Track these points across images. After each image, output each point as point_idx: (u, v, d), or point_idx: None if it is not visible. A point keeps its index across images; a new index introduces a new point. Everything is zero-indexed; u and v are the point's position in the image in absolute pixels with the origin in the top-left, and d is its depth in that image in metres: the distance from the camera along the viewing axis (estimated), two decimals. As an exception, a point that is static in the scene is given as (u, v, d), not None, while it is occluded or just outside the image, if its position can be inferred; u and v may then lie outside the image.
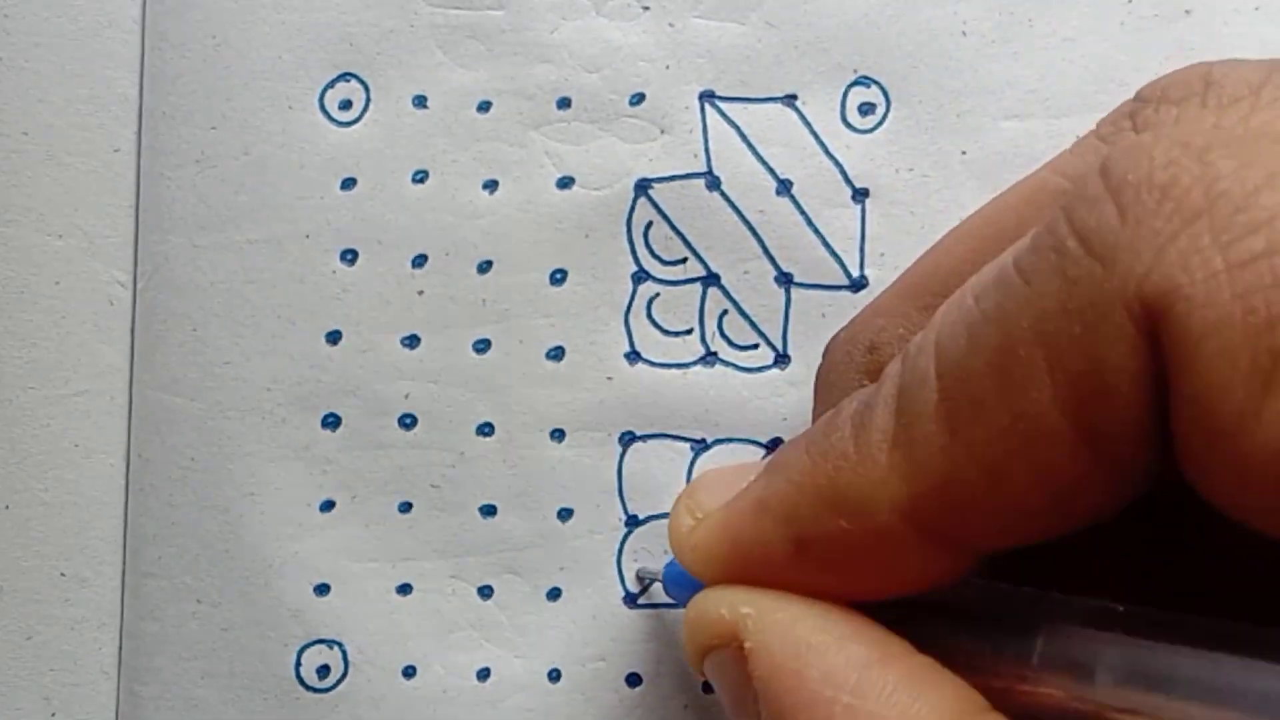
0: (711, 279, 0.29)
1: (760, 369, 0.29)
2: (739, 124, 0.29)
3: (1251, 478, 0.17)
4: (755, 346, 0.29)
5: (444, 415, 0.29)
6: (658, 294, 0.29)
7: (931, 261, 0.25)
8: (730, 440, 0.29)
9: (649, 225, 0.29)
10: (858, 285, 0.29)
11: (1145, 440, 0.18)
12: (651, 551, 0.29)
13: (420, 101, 0.29)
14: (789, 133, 0.29)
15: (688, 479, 0.29)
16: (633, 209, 0.29)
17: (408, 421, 0.29)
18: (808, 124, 0.29)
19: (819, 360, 0.28)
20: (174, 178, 0.29)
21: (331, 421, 0.29)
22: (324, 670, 0.29)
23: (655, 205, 0.29)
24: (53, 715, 0.30)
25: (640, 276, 0.29)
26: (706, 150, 0.29)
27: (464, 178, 0.29)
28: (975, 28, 0.29)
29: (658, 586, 0.29)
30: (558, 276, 0.29)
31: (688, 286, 0.29)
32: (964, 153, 0.29)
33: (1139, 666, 0.19)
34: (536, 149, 0.29)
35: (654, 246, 0.29)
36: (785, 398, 0.29)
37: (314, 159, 0.29)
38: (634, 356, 0.29)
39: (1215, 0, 0.29)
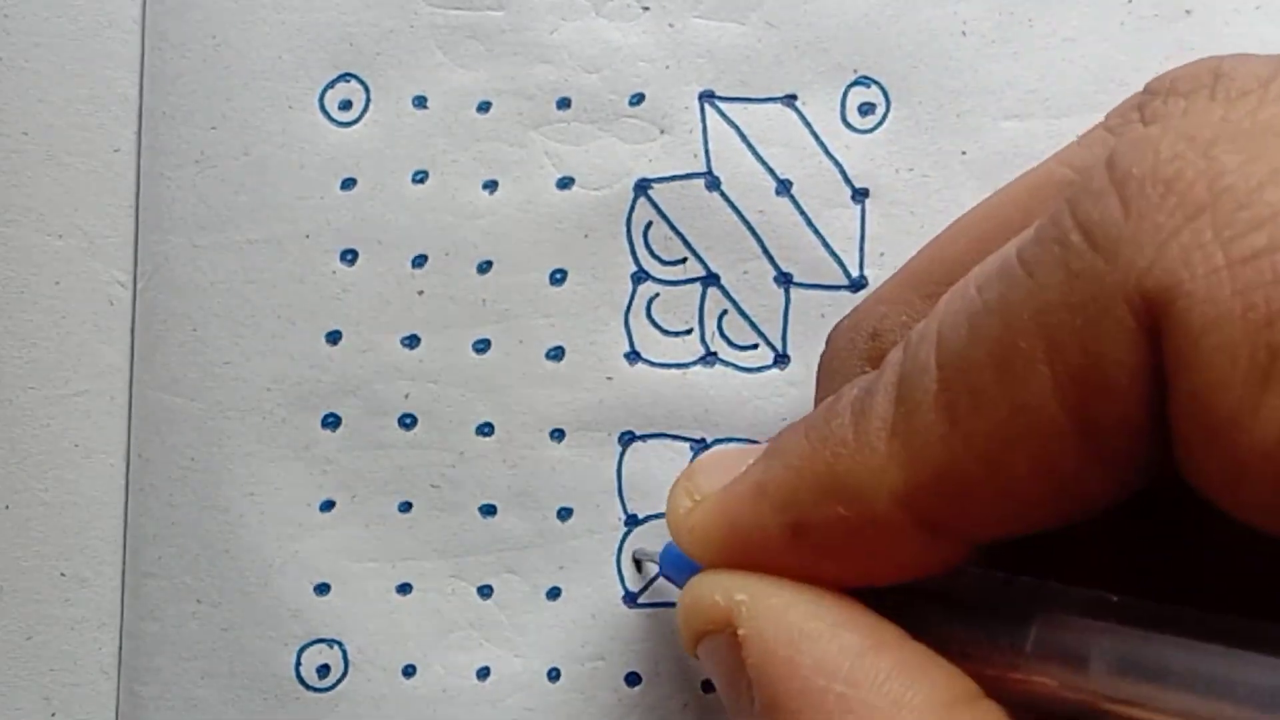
0: (711, 279, 0.29)
1: (760, 369, 0.29)
2: (739, 124, 0.29)
3: (1247, 473, 0.17)
4: (755, 346, 0.29)
5: (444, 415, 0.29)
6: (657, 294, 0.29)
7: (935, 250, 0.25)
8: (730, 440, 0.29)
9: (649, 225, 0.29)
10: (857, 285, 0.29)
11: (1143, 434, 0.18)
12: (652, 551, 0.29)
13: (420, 102, 0.29)
14: (789, 133, 0.29)
15: (687, 479, 0.29)
16: (632, 209, 0.29)
17: (408, 421, 0.29)
18: (808, 124, 0.29)
19: (818, 360, 0.28)
20: (174, 178, 0.29)
21: (331, 421, 0.29)
22: (324, 670, 0.29)
23: (655, 205, 0.29)
24: (53, 715, 0.30)
25: (640, 276, 0.29)
26: (706, 150, 0.29)
27: (464, 178, 0.29)
28: (975, 28, 0.29)
29: (652, 568, 0.29)
30: (558, 276, 0.29)
31: (687, 286, 0.29)
32: (964, 153, 0.29)
33: (1133, 656, 0.19)
34: (536, 149, 0.29)
35: (654, 246, 0.29)
36: (785, 398, 0.29)
37: (314, 159, 0.29)
38: (634, 356, 0.29)
39: (1215, 0, 0.29)
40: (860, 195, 0.29)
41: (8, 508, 0.30)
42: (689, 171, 0.29)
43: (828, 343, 0.26)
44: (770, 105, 0.29)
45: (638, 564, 0.29)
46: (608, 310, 0.29)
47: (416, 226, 0.29)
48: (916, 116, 0.29)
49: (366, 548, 0.29)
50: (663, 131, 0.29)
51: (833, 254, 0.29)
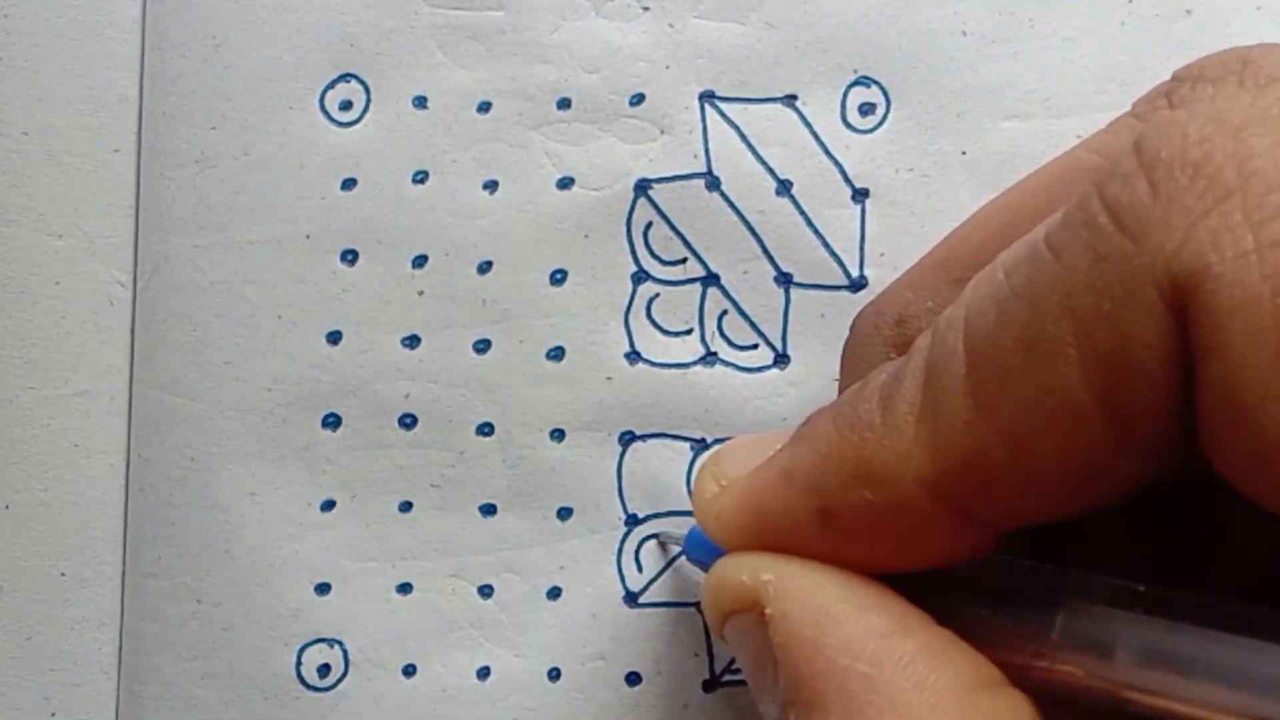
0: (711, 279, 0.29)
1: (760, 369, 0.29)
2: (739, 124, 0.29)
3: (1273, 459, 0.17)
4: (755, 346, 0.29)
5: (444, 415, 0.29)
6: (657, 294, 0.29)
7: (962, 236, 0.25)
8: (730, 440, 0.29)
9: (649, 225, 0.29)
10: (857, 285, 0.29)
11: (1170, 418, 0.18)
12: (652, 551, 0.29)
13: (420, 102, 0.29)
14: (789, 133, 0.29)
15: (687, 479, 0.29)
16: (632, 209, 0.29)
17: (408, 421, 0.29)
18: (808, 124, 0.29)
19: (818, 360, 0.28)
20: (174, 178, 0.29)
21: (332, 421, 0.29)
22: (324, 669, 0.29)
23: (655, 205, 0.29)
24: (53, 715, 0.30)
25: (640, 276, 0.29)
26: (706, 150, 0.29)
27: (464, 178, 0.29)
28: (975, 28, 0.29)
29: (675, 549, 0.29)
30: (558, 276, 0.29)
31: (687, 286, 0.29)
32: (964, 153, 0.29)
33: (1158, 647, 0.19)
34: (536, 149, 0.29)
35: (654, 247, 0.29)
36: (785, 398, 0.29)
37: (314, 159, 0.29)
38: (634, 356, 0.29)
39: (1216, 0, 0.29)
40: (860, 195, 0.29)
41: (8, 508, 0.30)
42: (689, 172, 0.29)
43: (851, 330, 0.26)
44: (770, 105, 0.29)
45: (662, 546, 0.29)
46: (608, 310, 0.29)
47: (417, 226, 0.29)
48: (917, 116, 0.29)
49: (367, 547, 0.29)
50: (663, 132, 0.29)
51: (833, 254, 0.29)
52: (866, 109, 0.29)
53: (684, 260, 0.29)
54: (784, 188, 0.29)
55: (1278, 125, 0.18)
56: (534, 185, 0.29)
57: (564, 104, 0.29)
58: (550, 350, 0.29)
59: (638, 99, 0.29)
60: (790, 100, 0.29)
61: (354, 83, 0.30)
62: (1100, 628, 0.20)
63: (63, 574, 0.30)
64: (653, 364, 0.29)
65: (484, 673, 0.29)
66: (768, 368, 0.29)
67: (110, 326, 0.30)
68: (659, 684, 0.29)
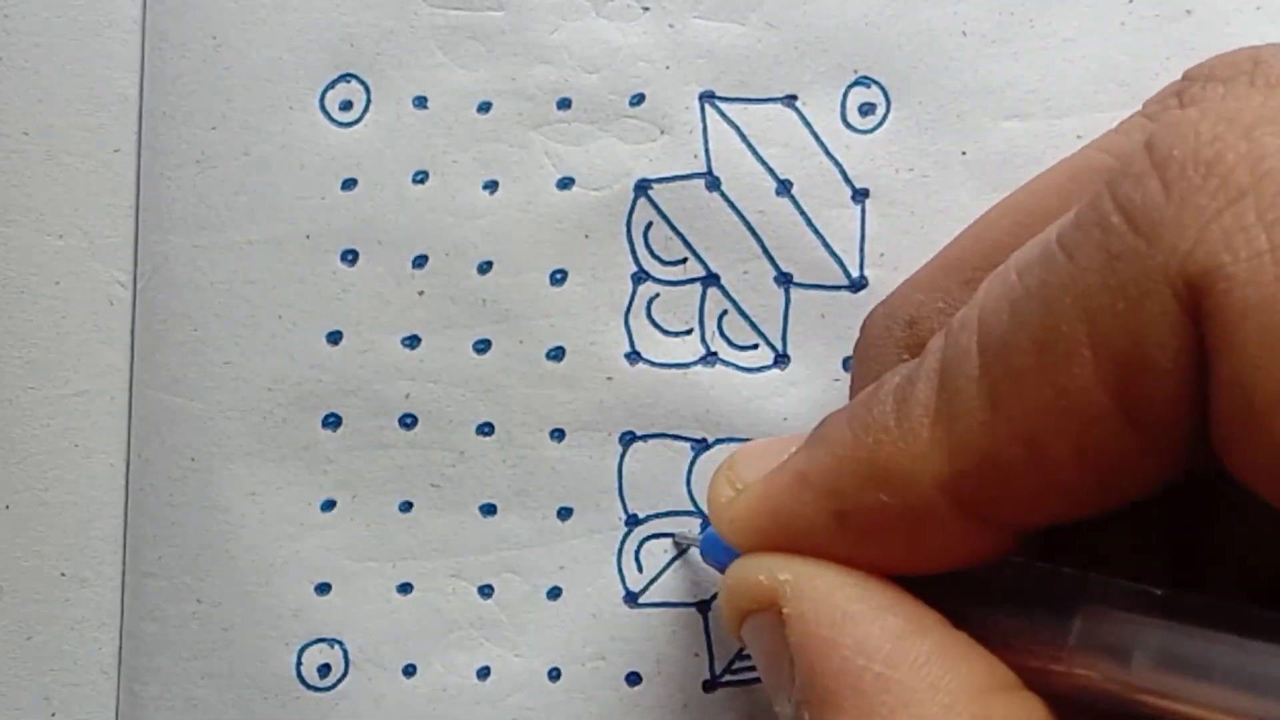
0: (711, 279, 0.29)
1: (760, 369, 0.29)
2: (739, 124, 0.29)
3: None
4: (755, 346, 0.29)
5: (444, 415, 0.29)
6: (658, 294, 0.29)
7: (973, 236, 0.25)
8: (731, 440, 0.29)
9: (649, 225, 0.29)
10: (857, 285, 0.29)
11: (1185, 418, 0.18)
12: (652, 551, 0.29)
13: (420, 102, 0.29)
14: (789, 133, 0.29)
15: (688, 479, 0.29)
16: (633, 209, 0.29)
17: (408, 421, 0.29)
18: (808, 124, 0.29)
19: (818, 360, 0.28)
20: (174, 178, 0.29)
21: (332, 421, 0.29)
22: (324, 669, 0.29)
23: (655, 205, 0.29)
24: (53, 715, 0.30)
25: (640, 277, 0.29)
26: (706, 151, 0.29)
27: (464, 178, 0.29)
28: (975, 28, 0.29)
29: (694, 553, 0.29)
30: (558, 277, 0.29)
31: (688, 287, 0.29)
32: (964, 153, 0.29)
33: (1176, 651, 0.19)
34: (536, 149, 0.29)
35: (654, 247, 0.29)
36: (785, 398, 0.29)
37: (314, 159, 0.29)
38: (634, 356, 0.29)
39: (1216, 0, 0.29)
40: (860, 195, 0.29)
41: (8, 508, 0.30)
42: (689, 172, 0.29)
43: (861, 331, 0.26)
44: (770, 105, 0.29)
45: (678, 546, 0.29)
46: (608, 310, 0.29)
47: (417, 226, 0.29)
48: (917, 117, 0.29)
49: (367, 547, 0.29)
50: (663, 132, 0.29)
51: (833, 254, 0.29)
52: (866, 109, 0.29)
53: (684, 260, 0.29)
54: (784, 188, 0.29)
55: None
56: (534, 185, 0.29)
57: (564, 104, 0.29)
58: (550, 350, 0.29)
59: (638, 99, 0.29)
60: (790, 100, 0.29)
61: (354, 83, 0.30)
62: (1118, 632, 0.20)
63: (63, 574, 0.30)
64: (653, 364, 0.29)
65: (484, 673, 0.29)
66: (768, 368, 0.29)
67: (110, 326, 0.30)
68: (659, 684, 0.29)
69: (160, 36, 0.30)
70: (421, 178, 0.29)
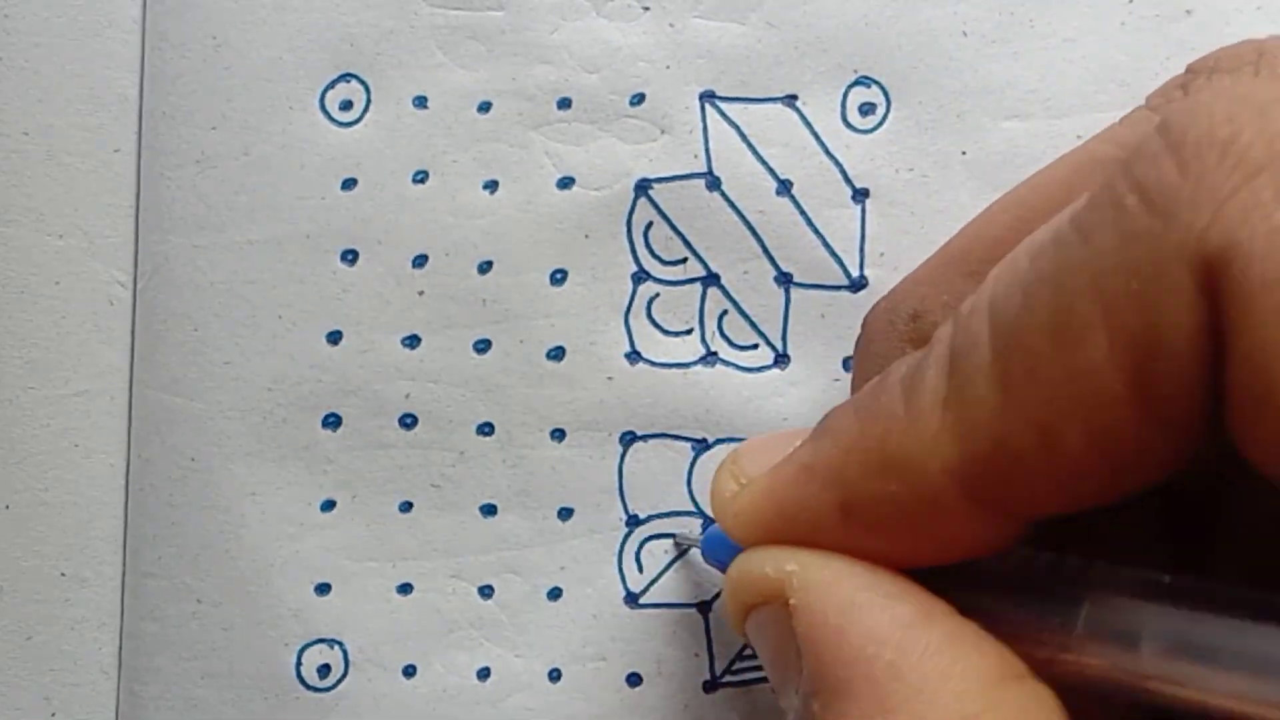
0: (711, 279, 0.29)
1: (760, 369, 0.29)
2: (739, 124, 0.29)
3: None
4: (755, 346, 0.29)
5: (444, 415, 0.29)
6: (658, 294, 0.29)
7: (976, 230, 0.25)
8: (731, 440, 0.29)
9: (649, 225, 0.29)
10: (857, 285, 0.29)
11: (1200, 400, 0.18)
12: (653, 552, 0.29)
13: (420, 102, 0.29)
14: (789, 133, 0.29)
15: (688, 479, 0.29)
16: (633, 209, 0.29)
17: (408, 421, 0.29)
18: (808, 124, 0.29)
19: (819, 360, 0.28)
20: (174, 178, 0.29)
21: (332, 421, 0.29)
22: (324, 670, 0.29)
23: (655, 205, 0.29)
24: (53, 715, 0.30)
25: (640, 276, 0.29)
26: (707, 150, 0.29)
27: (464, 178, 0.29)
28: (976, 28, 0.29)
29: (695, 553, 0.29)
30: (558, 276, 0.29)
31: (688, 286, 0.29)
32: (964, 153, 0.29)
33: (1185, 637, 0.19)
34: (537, 149, 0.29)
35: (654, 246, 0.29)
36: (785, 397, 0.29)
37: (314, 159, 0.29)
38: (634, 356, 0.29)
39: (1216, 1, 0.29)
40: (860, 195, 0.29)
41: (8, 508, 0.30)
42: (689, 171, 0.29)
43: (863, 327, 0.26)
44: (771, 105, 0.29)
45: (678, 546, 0.29)
46: (608, 310, 0.29)
47: (417, 226, 0.29)
48: (917, 116, 0.29)
49: (367, 548, 0.29)
50: (663, 131, 0.29)
51: (833, 254, 0.29)
52: (867, 109, 0.29)
53: (684, 260, 0.29)
54: (784, 188, 0.29)
55: None
56: (534, 185, 0.29)
57: (564, 104, 0.29)
58: (550, 350, 0.29)
59: (638, 99, 0.29)
60: (790, 100, 0.29)
61: (354, 83, 0.30)
62: (1126, 619, 0.19)
63: (63, 574, 0.30)
64: (653, 364, 0.29)
65: (484, 673, 0.29)
66: (768, 367, 0.29)
67: (110, 326, 0.30)
68: (659, 685, 0.29)
69: (160, 36, 0.30)
70: (421, 177, 0.29)
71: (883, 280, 0.28)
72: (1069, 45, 0.29)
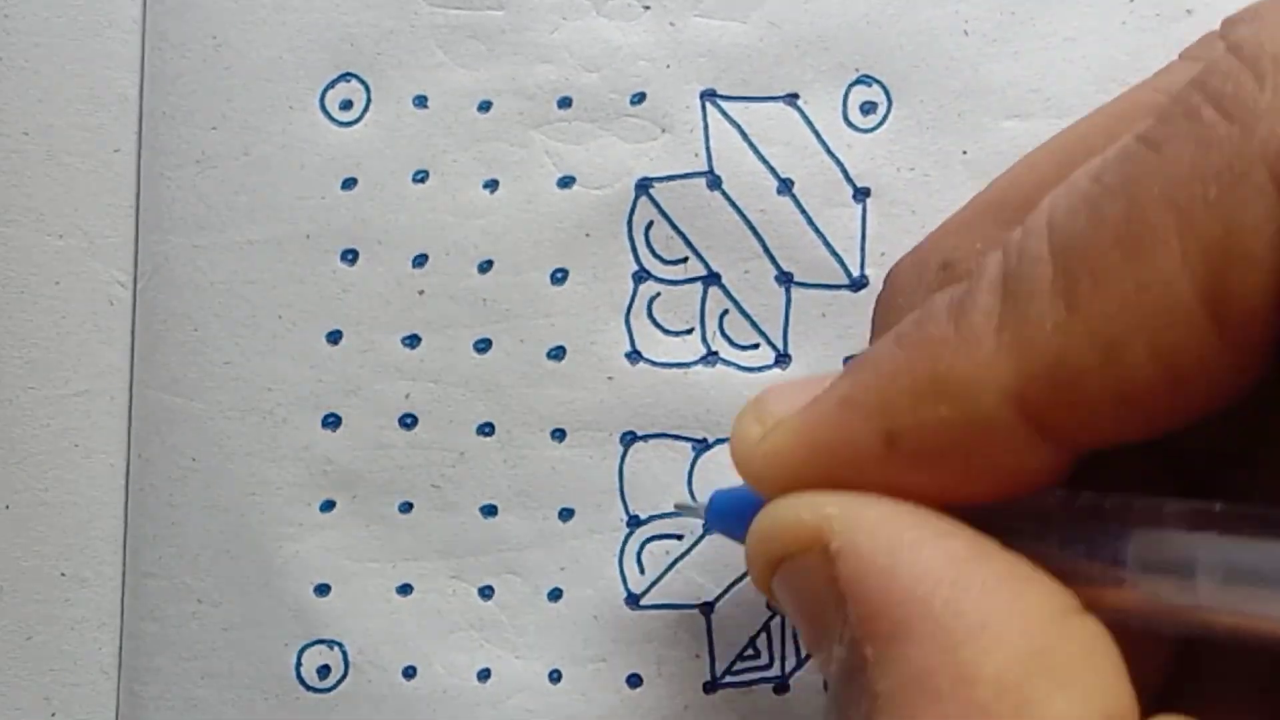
0: (712, 278, 0.29)
1: (761, 368, 0.29)
2: (740, 123, 0.29)
3: None
4: (756, 346, 0.29)
5: (444, 415, 0.29)
6: (658, 293, 0.29)
7: (1011, 180, 0.24)
8: (731, 440, 0.29)
9: (650, 225, 0.29)
10: (858, 285, 0.29)
11: (1272, 314, 0.17)
12: (653, 553, 0.29)
13: (421, 101, 0.29)
14: (790, 132, 0.29)
15: (689, 479, 0.29)
16: (633, 208, 0.29)
17: (408, 421, 0.29)
18: (809, 123, 0.29)
19: (819, 360, 0.28)
20: (174, 178, 0.29)
21: (332, 421, 0.29)
22: (324, 670, 0.29)
23: (656, 204, 0.29)
24: (53, 715, 0.30)
25: (641, 276, 0.29)
26: (707, 149, 0.29)
27: (464, 177, 0.29)
28: (977, 27, 0.29)
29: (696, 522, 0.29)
30: (558, 276, 0.29)
31: (688, 286, 0.29)
32: (965, 152, 0.29)
33: (1241, 564, 0.18)
34: (537, 148, 0.29)
35: (655, 246, 0.29)
36: (786, 397, 0.29)
37: (314, 159, 0.29)
38: (635, 356, 0.29)
39: (1216, 0, 0.29)
40: (861, 194, 0.29)
41: (8, 508, 0.30)
42: (690, 170, 0.29)
43: (886, 283, 0.25)
44: (772, 104, 0.29)
45: (679, 511, 0.29)
46: (609, 310, 0.29)
47: (417, 226, 0.29)
48: (918, 116, 0.29)
49: (367, 548, 0.29)
50: (664, 130, 0.29)
51: (834, 253, 0.29)
52: (868, 108, 0.29)
53: (685, 259, 0.29)
54: (785, 187, 0.29)
55: None
56: (535, 184, 0.29)
57: (565, 103, 0.29)
58: (551, 350, 0.29)
59: (639, 98, 0.29)
60: (792, 99, 0.29)
61: (354, 82, 0.30)
62: (1179, 550, 0.19)
63: (63, 574, 0.30)
64: (654, 363, 0.29)
65: (484, 674, 0.29)
66: (769, 367, 0.29)
67: (110, 326, 0.30)
68: (660, 686, 0.29)
69: (160, 36, 0.30)
70: (422, 177, 0.29)
71: (883, 280, 0.28)
72: (1070, 45, 0.29)
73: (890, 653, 0.19)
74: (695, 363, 0.29)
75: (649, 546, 0.29)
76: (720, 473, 0.29)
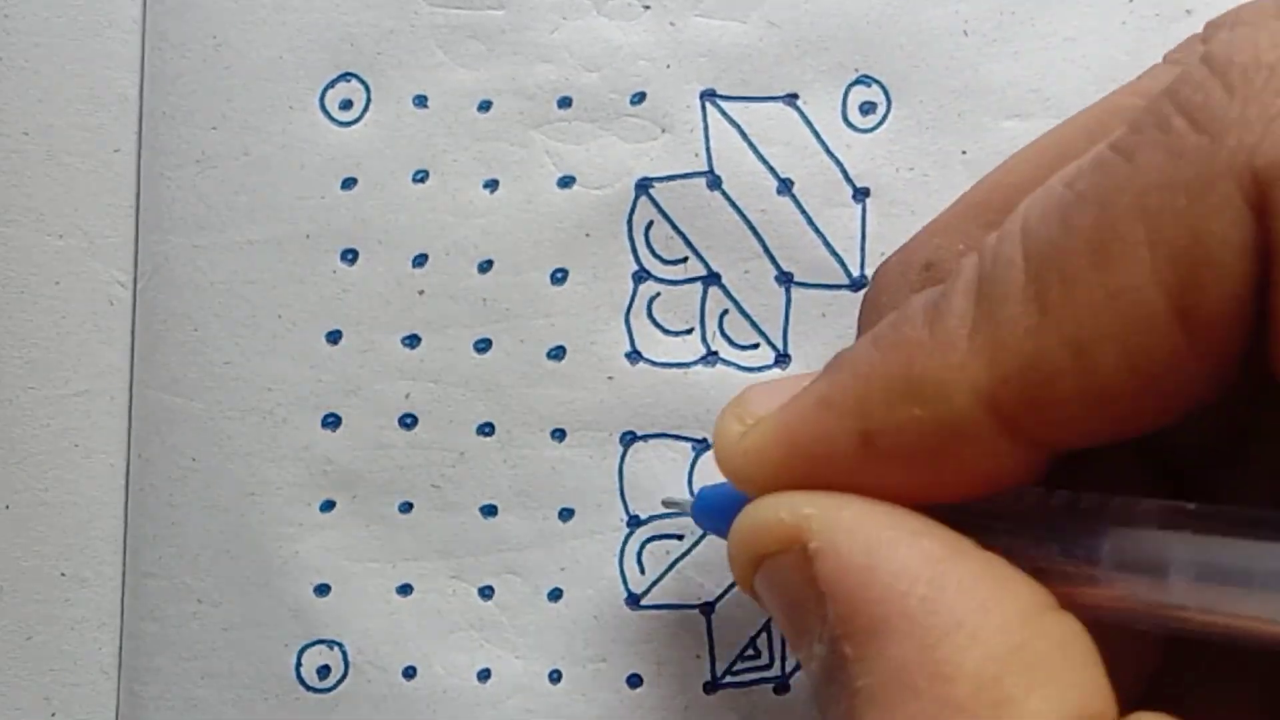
0: (712, 278, 0.29)
1: (761, 368, 0.29)
2: (740, 123, 0.29)
3: None
4: (756, 346, 0.29)
5: (444, 415, 0.29)
6: (658, 293, 0.29)
7: (994, 182, 0.24)
8: (731, 440, 0.29)
9: (650, 224, 0.29)
10: (858, 284, 0.29)
11: (1240, 320, 0.18)
12: (654, 553, 0.29)
13: (421, 101, 0.29)
14: (790, 132, 0.29)
15: (689, 479, 0.29)
16: (633, 208, 0.29)
17: (408, 421, 0.29)
18: (809, 123, 0.29)
19: (819, 359, 0.28)
20: (174, 178, 0.29)
21: (331, 421, 0.29)
22: (324, 670, 0.29)
23: (656, 204, 0.29)
24: (53, 715, 0.30)
25: (641, 276, 0.29)
26: (707, 149, 0.29)
27: (464, 177, 0.29)
28: (976, 27, 0.29)
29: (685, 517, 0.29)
30: (558, 276, 0.29)
31: (688, 286, 0.29)
32: (965, 152, 0.29)
33: (1214, 563, 0.18)
34: (537, 148, 0.29)
35: (655, 246, 0.29)
36: (786, 397, 0.29)
37: (314, 159, 0.29)
38: (635, 356, 0.29)
39: (1216, 0, 0.29)
40: (861, 194, 0.29)
41: (8, 508, 0.30)
42: (690, 170, 0.29)
43: (872, 281, 0.26)
44: (771, 104, 0.29)
45: (668, 508, 0.29)
46: (609, 310, 0.29)
47: (417, 226, 0.29)
48: (918, 116, 0.29)
49: (367, 548, 0.29)
50: (664, 130, 0.29)
51: (834, 253, 0.29)
52: (867, 108, 0.29)
53: (685, 259, 0.29)
54: (785, 187, 0.29)
55: None
56: (535, 184, 0.29)
57: (565, 103, 0.29)
58: (551, 350, 0.29)
59: (639, 98, 0.29)
60: (791, 99, 0.29)
61: (354, 82, 0.30)
62: (1153, 549, 0.19)
63: (63, 574, 0.30)
64: (654, 363, 0.29)
65: (484, 674, 0.29)
66: (769, 367, 0.29)
67: (110, 326, 0.30)
68: (660, 686, 0.29)
69: (160, 36, 0.30)
70: (421, 177, 0.29)
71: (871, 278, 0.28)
72: (1070, 45, 0.29)
73: (869, 650, 0.19)
74: (695, 363, 0.29)
75: (649, 546, 0.29)
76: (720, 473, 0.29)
